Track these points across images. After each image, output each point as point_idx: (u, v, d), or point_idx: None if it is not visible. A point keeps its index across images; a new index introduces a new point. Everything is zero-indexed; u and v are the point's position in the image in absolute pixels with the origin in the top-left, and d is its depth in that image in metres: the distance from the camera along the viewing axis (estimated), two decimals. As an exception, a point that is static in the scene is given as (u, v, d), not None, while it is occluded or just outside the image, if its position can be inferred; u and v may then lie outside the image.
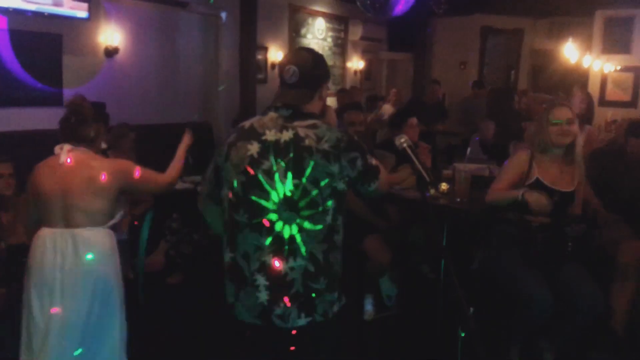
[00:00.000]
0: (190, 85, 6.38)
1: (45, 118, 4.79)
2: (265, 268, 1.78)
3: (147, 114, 5.57)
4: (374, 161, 1.90)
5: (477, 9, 9.44)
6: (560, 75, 8.70)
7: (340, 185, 1.80)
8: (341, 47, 9.26)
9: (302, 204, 1.76)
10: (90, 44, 5.18)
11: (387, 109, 7.55)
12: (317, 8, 8.51)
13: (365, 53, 9.80)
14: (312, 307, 1.79)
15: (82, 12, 4.79)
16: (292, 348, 1.81)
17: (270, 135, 1.80)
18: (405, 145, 1.91)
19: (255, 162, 1.79)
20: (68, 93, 4.97)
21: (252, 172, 1.79)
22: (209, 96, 6.65)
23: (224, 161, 1.87)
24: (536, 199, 2.80)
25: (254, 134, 1.83)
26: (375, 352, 3.44)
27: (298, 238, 1.77)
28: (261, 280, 1.78)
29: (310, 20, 8.40)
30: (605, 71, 8.98)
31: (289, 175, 1.75)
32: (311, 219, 1.77)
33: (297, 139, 1.78)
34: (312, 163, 1.75)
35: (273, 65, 7.64)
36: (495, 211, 3.09)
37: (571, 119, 2.94)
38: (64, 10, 4.64)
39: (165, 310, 3.94)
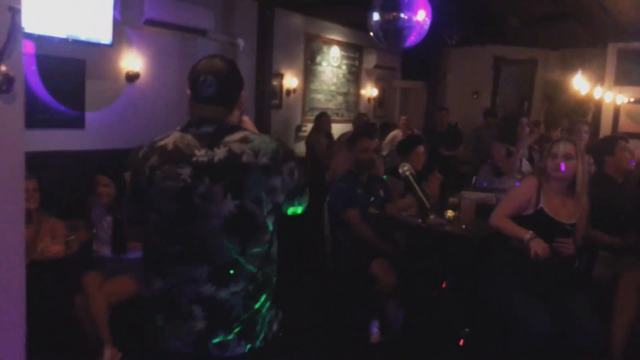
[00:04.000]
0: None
1: (67, 139, 4.98)
2: (203, 299, 1.64)
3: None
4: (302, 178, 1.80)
5: (490, 40, 9.59)
6: (571, 105, 8.79)
7: (281, 199, 1.70)
8: (355, 75, 9.44)
9: (244, 226, 1.63)
10: (112, 69, 5.37)
11: (397, 135, 7.70)
12: (333, 37, 8.71)
13: (379, 81, 9.97)
14: (253, 332, 1.69)
15: (106, 39, 4.98)
16: None
17: (201, 156, 1.64)
18: (407, 173, 2.01)
19: (189, 187, 1.62)
20: (90, 116, 5.16)
21: (186, 197, 1.62)
22: (225, 121, 6.82)
23: (146, 185, 1.68)
24: (540, 248, 2.90)
25: (182, 156, 1.65)
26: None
27: (239, 262, 1.64)
28: (198, 311, 1.65)
29: (325, 48, 8.60)
30: (618, 103, 9.05)
31: (229, 197, 1.60)
32: (254, 240, 1.66)
33: (232, 156, 1.63)
34: (252, 180, 1.62)
35: (288, 92, 7.83)
36: (499, 238, 3.18)
37: (570, 154, 3.01)
38: (89, 37, 4.83)
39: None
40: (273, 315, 1.76)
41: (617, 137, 3.88)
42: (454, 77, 10.38)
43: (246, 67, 6.80)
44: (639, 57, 8.95)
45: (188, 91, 1.78)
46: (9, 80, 1.38)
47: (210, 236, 1.62)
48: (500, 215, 3.14)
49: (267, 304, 1.72)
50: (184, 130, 1.72)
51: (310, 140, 7.23)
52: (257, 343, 1.69)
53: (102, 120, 5.29)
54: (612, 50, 9.18)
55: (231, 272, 1.63)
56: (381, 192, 3.92)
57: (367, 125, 6.93)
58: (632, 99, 9.01)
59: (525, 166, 5.04)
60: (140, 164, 1.70)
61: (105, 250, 3.67)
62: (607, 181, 3.67)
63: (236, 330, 1.66)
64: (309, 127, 7.78)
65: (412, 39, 4.73)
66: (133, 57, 5.47)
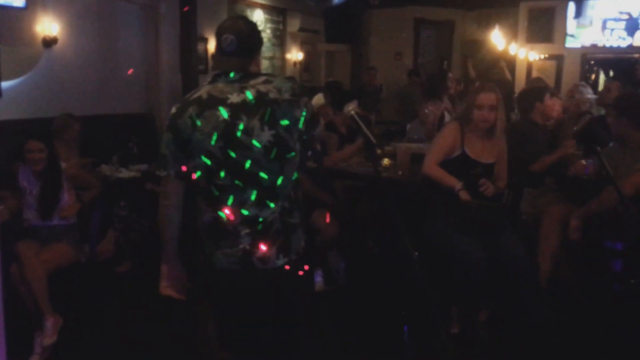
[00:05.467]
0: (132, 76, 6.35)
1: (-18, 110, 4.70)
2: (249, 219, 1.92)
3: (89, 104, 5.51)
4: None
5: (410, 1, 9.78)
6: (487, 63, 9.18)
7: (303, 127, 1.98)
8: (280, 39, 9.37)
9: (281, 152, 1.92)
10: (27, 34, 5.07)
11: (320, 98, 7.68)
12: None
13: (304, 45, 9.94)
14: (289, 246, 1.97)
15: (18, 1, 4.71)
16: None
17: (234, 98, 1.90)
18: (353, 112, 2.07)
19: (230, 125, 1.88)
20: (7, 85, 4.88)
21: (229, 134, 1.88)
22: (151, 87, 6.64)
23: (190, 133, 1.90)
24: (467, 199, 3.15)
25: (217, 101, 1.90)
26: (325, 322, 3.61)
27: (279, 183, 1.93)
28: (244, 232, 1.93)
29: (248, 11, 8.47)
30: (530, 59, 9.54)
31: (266, 128, 1.89)
32: (289, 163, 1.95)
33: (261, 94, 1.91)
34: (282, 113, 1.91)
35: (214, 56, 7.69)
36: (432, 183, 3.35)
37: (494, 105, 3.22)
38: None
39: (116, 299, 4.00)
40: (302, 232, 2.04)
41: (546, 88, 4.16)
42: (376, 39, 10.53)
43: (169, 31, 6.63)
44: (548, 15, 9.45)
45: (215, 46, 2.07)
46: None
47: (254, 163, 1.90)
48: (431, 163, 3.31)
49: (299, 220, 2.01)
50: (212, 82, 1.98)
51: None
52: (292, 256, 1.98)
53: (20, 88, 5.03)
54: (523, 8, 9.64)
55: (269, 195, 1.92)
56: (317, 146, 3.99)
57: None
58: (542, 56, 9.53)
59: (446, 119, 5.19)
60: (178, 118, 1.93)
61: (36, 219, 3.55)
62: (531, 125, 3.93)
63: (275, 245, 1.94)
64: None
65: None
66: (49, 21, 5.20)
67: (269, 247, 1.92)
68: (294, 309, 2.06)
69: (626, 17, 8.86)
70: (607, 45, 9.03)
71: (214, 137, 1.88)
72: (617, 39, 8.94)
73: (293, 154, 1.96)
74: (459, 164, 3.26)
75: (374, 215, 3.94)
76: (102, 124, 5.43)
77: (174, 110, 1.97)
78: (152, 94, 6.66)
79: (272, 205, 1.93)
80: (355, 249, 4.16)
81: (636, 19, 8.81)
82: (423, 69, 10.26)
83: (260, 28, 7.54)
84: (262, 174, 1.91)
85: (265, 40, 8.93)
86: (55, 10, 5.27)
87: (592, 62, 9.44)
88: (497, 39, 8.88)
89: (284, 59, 9.51)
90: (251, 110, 1.90)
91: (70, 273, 3.54)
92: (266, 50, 9.01)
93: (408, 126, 4.67)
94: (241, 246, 1.93)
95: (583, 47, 9.16)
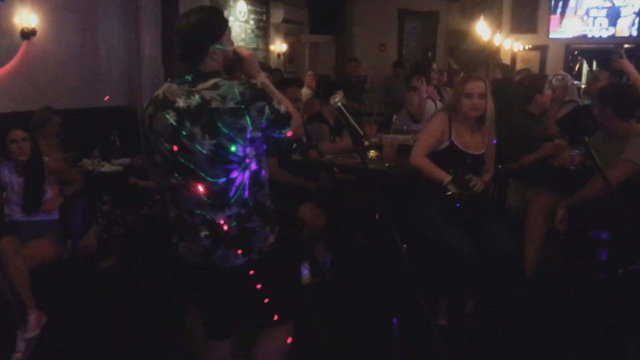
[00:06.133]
0: (113, 68, 6.24)
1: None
2: (206, 222, 1.97)
3: (69, 97, 5.42)
4: (282, 108, 1.98)
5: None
6: (472, 52, 9.19)
7: (256, 134, 1.92)
8: (264, 30, 9.28)
9: (225, 159, 1.89)
10: (5, 26, 4.96)
11: (305, 92, 7.61)
12: (238, -10, 8.49)
13: (287, 36, 9.87)
14: (249, 247, 2.00)
15: (-5, -8, 4.61)
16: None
17: (181, 103, 1.89)
18: (339, 104, 2.02)
19: (175, 129, 1.89)
20: (-17, 77, 4.78)
21: (176, 139, 1.90)
22: (133, 80, 6.53)
23: (149, 132, 1.98)
24: (455, 193, 3.12)
25: (168, 104, 1.92)
26: (312, 315, 3.59)
27: (230, 189, 1.93)
28: (204, 232, 1.98)
29: (231, 2, 8.37)
30: (515, 50, 9.57)
31: (206, 137, 1.86)
32: (237, 169, 1.92)
33: (203, 102, 1.87)
34: (222, 123, 1.85)
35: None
36: (420, 174, 3.33)
37: (483, 93, 3.18)
38: (-25, -10, 4.44)
39: (100, 296, 3.93)
40: (268, 231, 2.05)
41: (545, 78, 4.14)
42: (360, 30, 10.48)
43: (151, 23, 6.50)
44: (532, 5, 9.48)
45: None
46: None
47: (199, 168, 1.90)
48: (420, 153, 3.27)
49: (260, 224, 2.01)
50: (171, 80, 1.98)
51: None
52: (253, 255, 2.01)
53: (-2, 81, 4.92)
54: (507, -1, 9.67)
55: (221, 199, 1.93)
56: (303, 138, 3.96)
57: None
58: (526, 47, 9.57)
59: (432, 108, 5.16)
60: (143, 114, 2.00)
61: (18, 214, 3.47)
62: (527, 117, 3.92)
63: (234, 246, 1.97)
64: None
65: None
66: (28, 12, 5.08)
67: (228, 249, 1.97)
68: (255, 299, 2.08)
69: (609, 4, 8.91)
70: (590, 35, 9.09)
71: (164, 139, 1.92)
72: (599, 28, 8.99)
73: (241, 161, 1.92)
74: (447, 156, 3.23)
75: (360, 207, 3.92)
76: (83, 117, 5.33)
77: (145, 105, 2.03)
78: (135, 87, 6.55)
79: (225, 210, 1.94)
80: (342, 242, 4.14)
81: (618, 8, 8.87)
82: (407, 61, 10.24)
83: (243, 19, 7.42)
84: (210, 180, 1.92)
85: (248, 31, 8.85)
86: (34, 1, 5.16)
87: (576, 52, 9.50)
88: (482, 29, 8.88)
89: (267, 51, 9.43)
90: (193, 117, 1.88)
91: (53, 270, 3.47)
92: (250, 41, 8.92)
93: (394, 117, 4.65)
94: (202, 243, 1.99)
95: (573, 38, 9.19)
